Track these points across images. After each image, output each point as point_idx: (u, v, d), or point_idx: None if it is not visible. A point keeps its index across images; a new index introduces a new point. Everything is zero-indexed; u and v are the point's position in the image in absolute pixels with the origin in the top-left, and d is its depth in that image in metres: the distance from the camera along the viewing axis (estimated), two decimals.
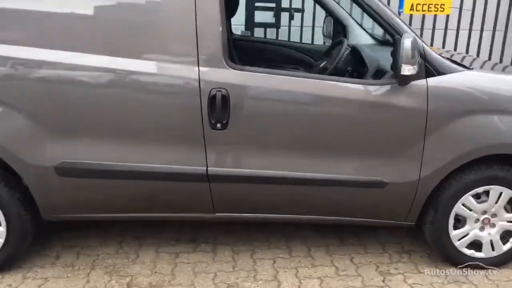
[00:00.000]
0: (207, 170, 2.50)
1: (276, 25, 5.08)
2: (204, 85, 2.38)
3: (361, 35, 3.75)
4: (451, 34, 5.33)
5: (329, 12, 3.85)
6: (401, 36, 2.36)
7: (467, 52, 5.38)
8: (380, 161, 2.56)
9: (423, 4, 4.86)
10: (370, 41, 3.73)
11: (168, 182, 2.54)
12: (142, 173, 2.50)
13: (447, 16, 5.12)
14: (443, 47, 5.28)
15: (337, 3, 3.89)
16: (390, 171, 2.56)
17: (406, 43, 2.26)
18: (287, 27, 5.16)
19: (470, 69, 2.60)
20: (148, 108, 2.42)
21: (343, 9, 3.82)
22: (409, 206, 2.64)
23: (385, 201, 2.65)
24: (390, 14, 2.50)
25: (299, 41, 4.98)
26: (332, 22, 3.91)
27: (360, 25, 3.82)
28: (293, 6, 5.10)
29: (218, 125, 2.42)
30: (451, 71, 2.50)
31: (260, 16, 5.09)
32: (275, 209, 2.73)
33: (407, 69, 2.28)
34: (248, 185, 2.58)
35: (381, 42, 3.71)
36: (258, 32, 5.09)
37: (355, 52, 3.10)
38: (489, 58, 5.42)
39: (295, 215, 2.75)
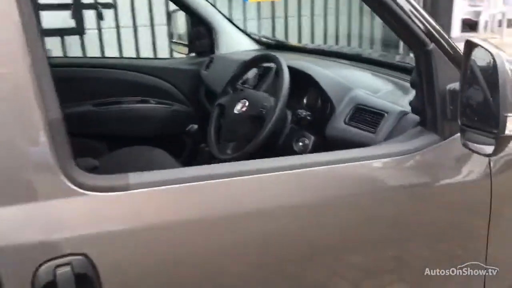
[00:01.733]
0: None
1: (79, 30, 3.37)
2: (20, 259, 0.78)
3: (240, 39, 2.41)
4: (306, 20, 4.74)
5: (181, 4, 2.37)
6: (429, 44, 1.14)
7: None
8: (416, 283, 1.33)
9: None
10: (255, 46, 2.43)
11: None
12: None
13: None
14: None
15: None
16: None
17: (505, 67, 1.01)
18: (95, 31, 3.51)
19: None
20: None
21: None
22: None
23: None
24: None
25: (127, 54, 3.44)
26: (186, 19, 2.47)
27: (234, 23, 2.48)
28: (99, 1, 3.46)
29: None
30: None
31: (51, 19, 3.29)
32: None
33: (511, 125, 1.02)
34: None
35: (271, 46, 2.44)
36: (52, 43, 3.31)
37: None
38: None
39: None
